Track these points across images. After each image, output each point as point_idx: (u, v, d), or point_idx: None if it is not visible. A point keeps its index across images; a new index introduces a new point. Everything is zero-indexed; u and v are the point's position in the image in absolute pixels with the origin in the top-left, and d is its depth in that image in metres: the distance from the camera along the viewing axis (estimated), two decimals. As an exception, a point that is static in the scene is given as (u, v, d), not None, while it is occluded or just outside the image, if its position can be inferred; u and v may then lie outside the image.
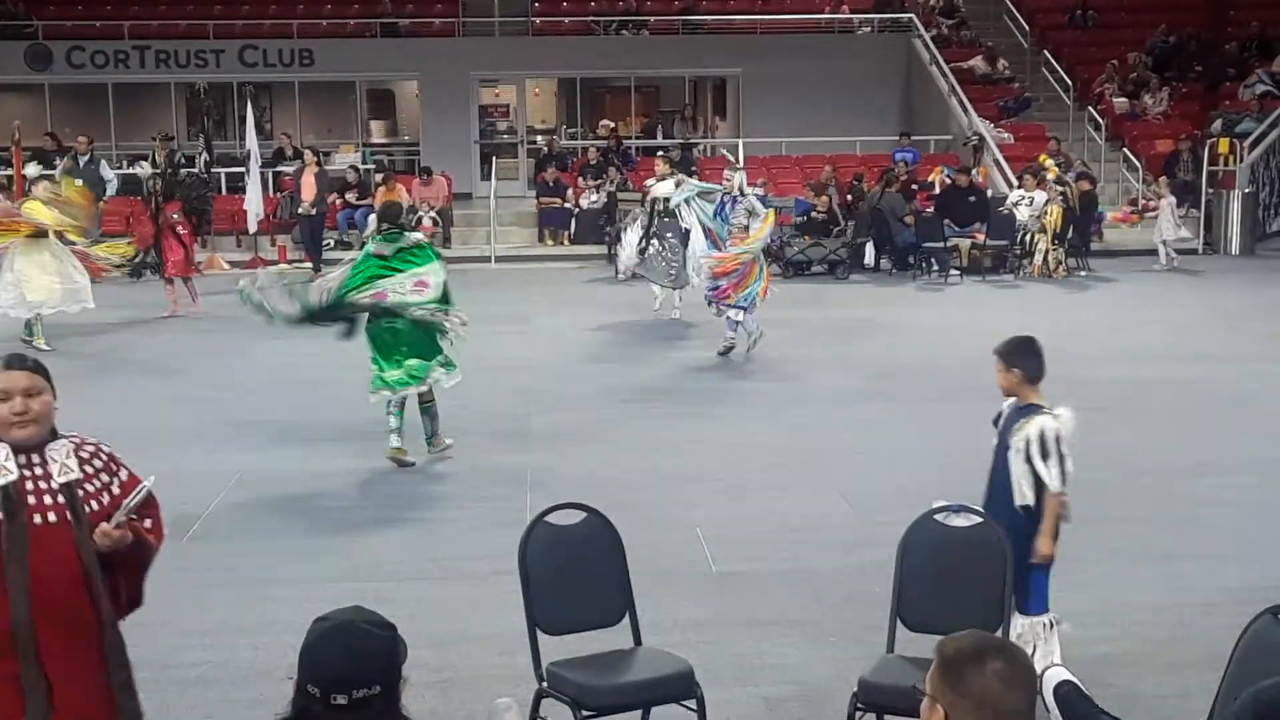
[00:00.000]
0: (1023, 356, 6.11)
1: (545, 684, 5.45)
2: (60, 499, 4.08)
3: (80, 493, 4.12)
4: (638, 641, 5.69)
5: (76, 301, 14.69)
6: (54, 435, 4.19)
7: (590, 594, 5.69)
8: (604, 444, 10.85)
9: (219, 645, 6.87)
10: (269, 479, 9.88)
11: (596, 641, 5.69)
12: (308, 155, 22.23)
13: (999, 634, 5.18)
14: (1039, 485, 5.95)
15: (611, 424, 11.52)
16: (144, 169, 18.85)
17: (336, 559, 8.23)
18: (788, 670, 6.67)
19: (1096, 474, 9.81)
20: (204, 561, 7.96)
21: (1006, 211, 20.71)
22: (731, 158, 15.98)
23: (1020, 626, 6.04)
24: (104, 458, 4.26)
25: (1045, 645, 6.04)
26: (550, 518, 5.68)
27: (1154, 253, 21.20)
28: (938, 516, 5.78)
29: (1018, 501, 6.00)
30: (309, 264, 21.20)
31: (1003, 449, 6.10)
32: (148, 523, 4.28)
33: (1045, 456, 5.93)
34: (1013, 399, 6.14)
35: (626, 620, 5.68)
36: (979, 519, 5.75)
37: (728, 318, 13.92)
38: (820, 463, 10.30)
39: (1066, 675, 3.46)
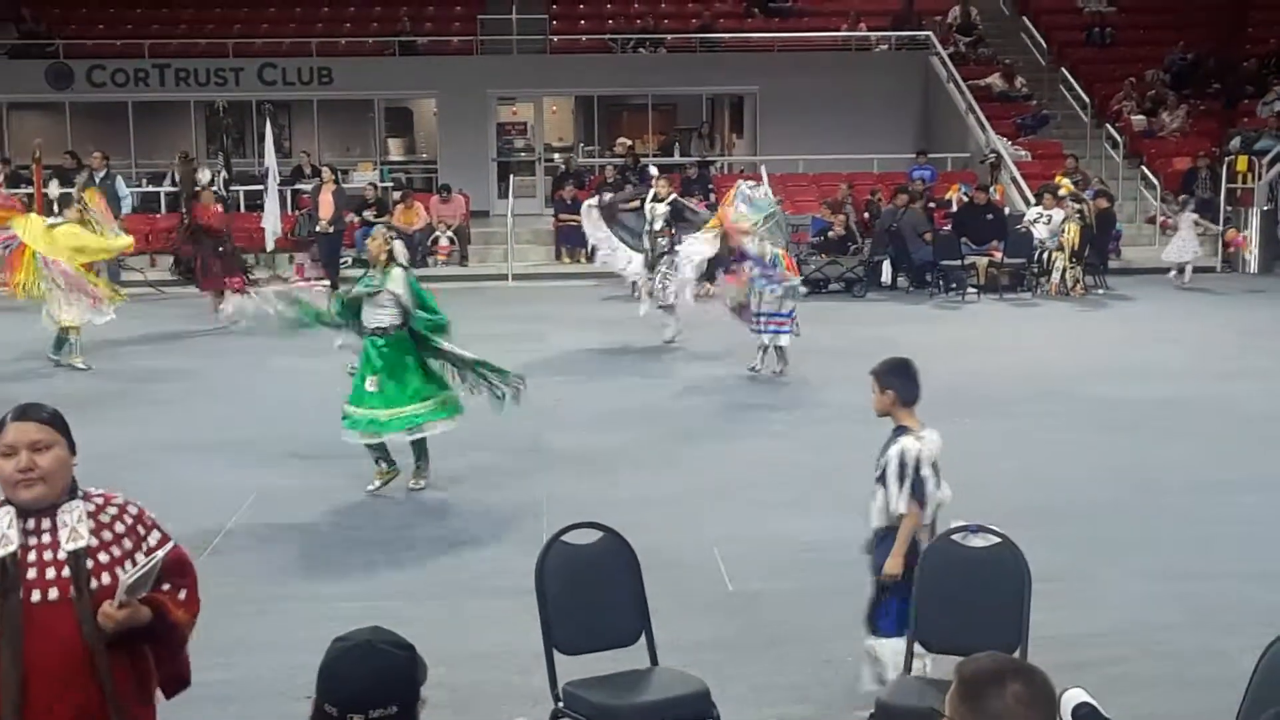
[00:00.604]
0: (898, 378, 6.09)
1: (561, 704, 5.44)
2: (65, 571, 3.64)
3: (90, 562, 3.67)
4: (654, 661, 5.69)
5: (100, 315, 14.70)
6: (73, 494, 3.76)
7: (607, 613, 5.69)
8: (620, 462, 10.85)
9: (235, 663, 6.86)
10: (287, 495, 9.89)
11: (613, 661, 5.68)
12: (325, 173, 22.31)
13: (1017, 655, 5.17)
14: (919, 494, 5.92)
15: (628, 442, 11.51)
16: (204, 174, 19.13)
17: (353, 576, 8.24)
18: (804, 691, 6.65)
19: (1115, 493, 9.83)
20: (221, 578, 7.94)
21: (1024, 230, 20.69)
22: (751, 183, 15.77)
23: (867, 643, 6.04)
24: (129, 520, 3.80)
25: (873, 667, 6.01)
26: (567, 537, 5.68)
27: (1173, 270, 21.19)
28: (955, 537, 5.76)
29: (873, 523, 6.03)
30: (326, 281, 21.25)
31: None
32: (182, 593, 3.87)
33: (901, 478, 5.90)
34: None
35: (643, 640, 5.68)
36: (997, 539, 5.72)
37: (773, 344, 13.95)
38: (837, 481, 10.23)
39: (1085, 697, 3.44)
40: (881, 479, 6.01)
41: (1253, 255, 22.64)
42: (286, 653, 6.79)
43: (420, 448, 9.99)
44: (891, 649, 5.91)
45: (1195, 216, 21.38)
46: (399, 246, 10.02)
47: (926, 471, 5.91)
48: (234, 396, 13.39)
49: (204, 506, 9.19)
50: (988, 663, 3.00)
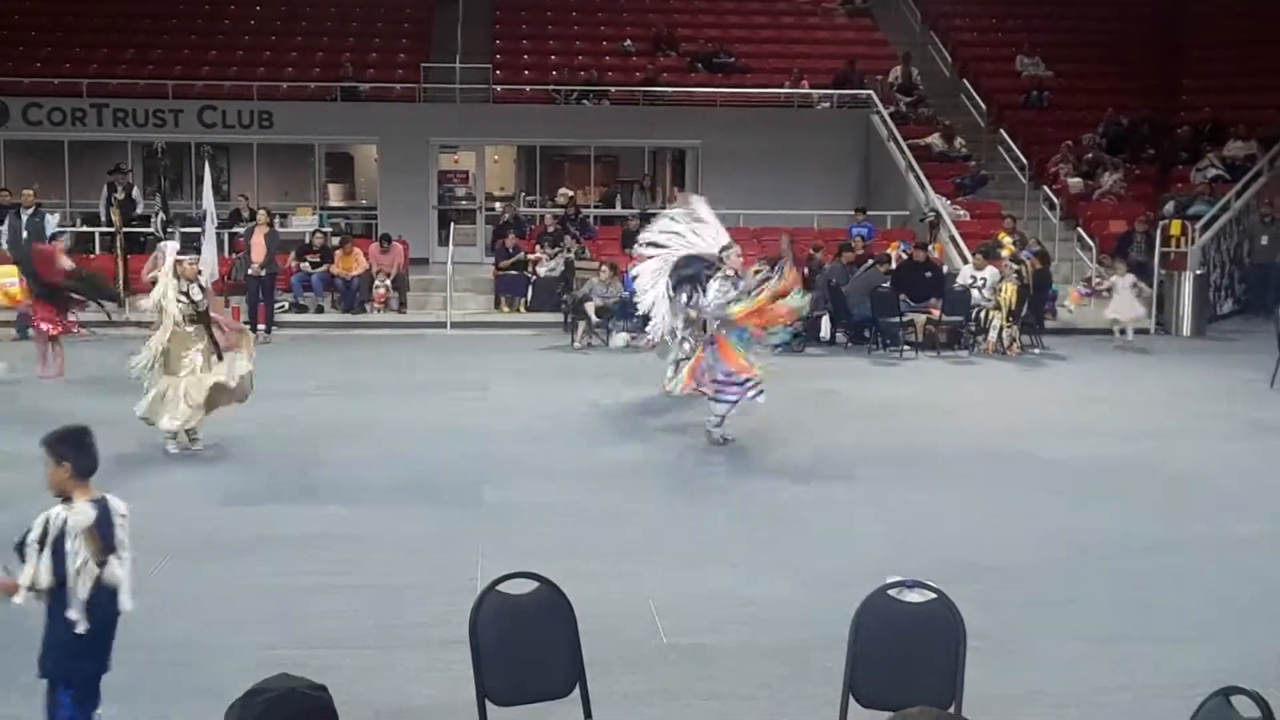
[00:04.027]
0: (72, 450, 5.58)
1: (493, 756, 5.36)
2: None
3: None
4: (588, 714, 5.62)
5: None
6: None
7: (541, 665, 5.62)
8: (557, 513, 10.77)
9: (158, 713, 6.73)
10: (212, 543, 9.75)
11: (546, 713, 5.61)
12: (261, 215, 22.19)
13: (951, 710, 5.15)
14: (59, 568, 5.44)
15: (566, 493, 11.44)
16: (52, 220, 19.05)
17: (282, 625, 8.11)
18: (738, 745, 6.59)
19: (1050, 551, 9.86)
20: (143, 629, 7.80)
21: (960, 289, 20.84)
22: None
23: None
24: None
25: None
26: (502, 587, 5.62)
27: (1107, 332, 21.38)
28: (891, 592, 5.74)
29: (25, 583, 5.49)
30: (261, 326, 21.08)
31: None
32: None
33: (40, 547, 5.44)
34: None
35: (577, 692, 5.61)
36: (933, 595, 5.70)
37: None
38: (774, 536, 10.25)
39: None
40: (21, 546, 5.51)
41: (1186, 317, 22.89)
42: (207, 702, 6.64)
43: None
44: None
45: (1134, 278, 21.63)
46: None
47: (70, 545, 5.44)
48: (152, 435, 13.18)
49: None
50: (921, 718, 2.97)
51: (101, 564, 5.50)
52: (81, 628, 5.47)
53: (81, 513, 5.47)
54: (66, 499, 5.53)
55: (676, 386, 14.06)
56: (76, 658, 5.55)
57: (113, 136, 27.43)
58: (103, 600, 5.54)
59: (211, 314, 12.86)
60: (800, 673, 7.34)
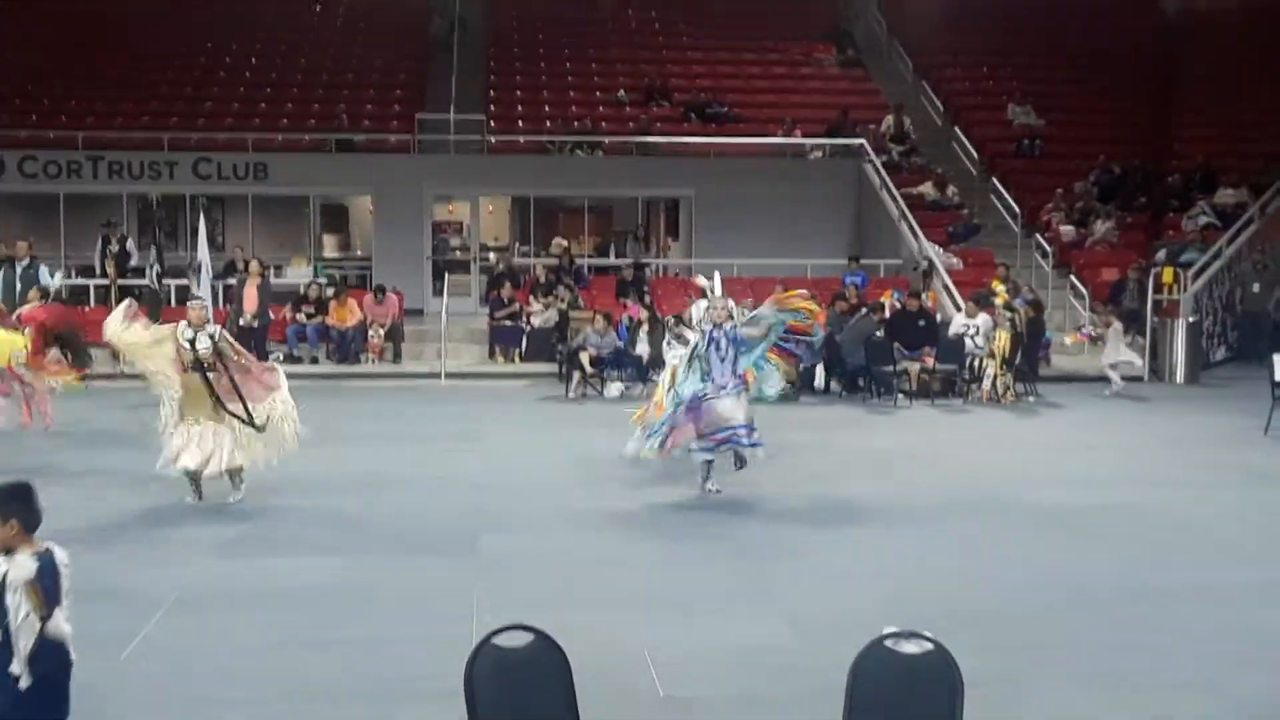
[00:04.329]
0: (20, 505, 5.52)
1: (489, 812, 5.32)
2: None
3: None
4: (584, 768, 5.59)
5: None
6: None
7: (537, 718, 5.58)
8: (553, 563, 10.74)
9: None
10: (208, 596, 9.71)
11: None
12: (253, 266, 22.23)
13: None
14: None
15: (562, 543, 11.41)
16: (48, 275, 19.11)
17: (278, 679, 8.06)
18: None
19: (1048, 599, 9.83)
20: (139, 683, 7.78)
21: (954, 338, 20.86)
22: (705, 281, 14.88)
23: None
24: None
25: None
26: (497, 639, 5.59)
27: (1101, 379, 21.41)
28: (888, 643, 5.72)
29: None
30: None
31: None
32: None
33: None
34: None
35: (573, 746, 5.58)
36: (930, 645, 5.68)
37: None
38: (770, 586, 10.22)
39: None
40: None
41: (1179, 365, 22.92)
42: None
43: None
44: None
45: (1120, 326, 21.66)
46: None
47: (10, 599, 5.39)
48: (161, 488, 13.13)
49: (122, 606, 9.00)
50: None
51: (45, 618, 5.43)
52: (25, 682, 5.38)
53: (22, 566, 5.39)
54: (8, 551, 5.47)
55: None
56: (28, 711, 5.45)
57: (108, 189, 27.51)
58: (49, 653, 5.46)
59: (234, 358, 12.76)
60: (798, 724, 7.30)
